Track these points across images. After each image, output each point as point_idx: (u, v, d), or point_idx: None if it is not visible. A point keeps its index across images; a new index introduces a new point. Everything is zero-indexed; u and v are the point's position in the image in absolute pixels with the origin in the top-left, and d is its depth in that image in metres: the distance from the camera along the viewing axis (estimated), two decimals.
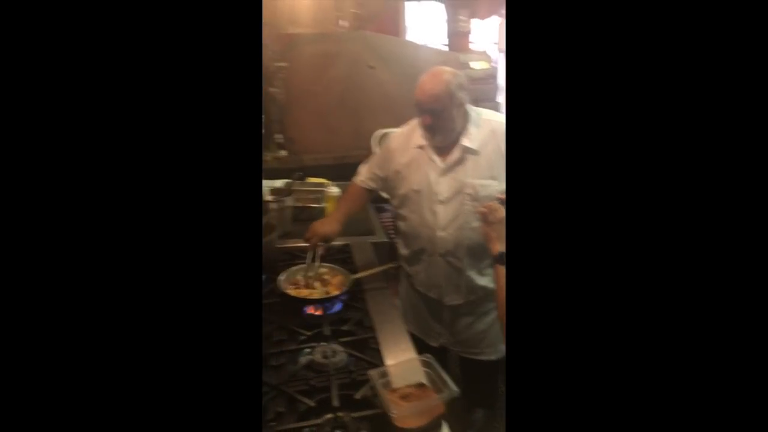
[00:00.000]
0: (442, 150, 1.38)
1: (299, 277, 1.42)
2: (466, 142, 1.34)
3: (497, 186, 1.31)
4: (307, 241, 1.47)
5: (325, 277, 1.42)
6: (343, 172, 2.54)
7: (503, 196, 1.05)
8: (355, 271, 1.48)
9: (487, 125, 1.36)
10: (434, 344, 1.53)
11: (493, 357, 1.52)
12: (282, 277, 1.38)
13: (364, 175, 1.62)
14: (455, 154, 1.36)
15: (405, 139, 1.47)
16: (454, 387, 0.89)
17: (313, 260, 1.43)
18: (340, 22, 1.99)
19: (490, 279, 1.41)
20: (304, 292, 1.35)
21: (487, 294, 1.43)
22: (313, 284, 1.38)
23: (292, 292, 1.34)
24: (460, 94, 1.32)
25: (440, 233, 1.37)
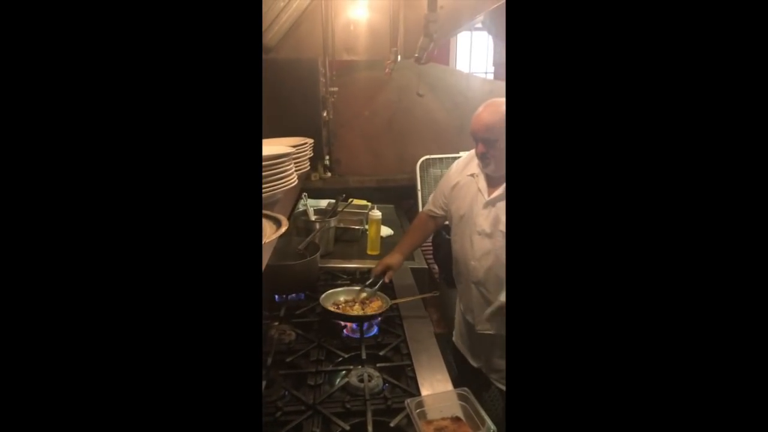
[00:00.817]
0: (492, 182, 1.43)
1: (341, 299, 1.46)
2: None
3: None
4: (377, 273, 1.54)
5: (365, 300, 1.45)
6: (385, 194, 2.59)
7: None
8: (393, 297, 1.49)
9: None
10: (474, 364, 1.56)
11: None
12: (323, 296, 1.42)
13: (429, 203, 1.66)
14: (500, 189, 1.39)
15: (463, 166, 1.53)
16: (491, 425, 0.87)
17: (373, 285, 1.51)
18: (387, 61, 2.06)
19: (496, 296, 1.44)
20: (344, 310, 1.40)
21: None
22: (352, 307, 1.42)
23: (332, 308, 1.39)
24: None
25: (473, 263, 1.42)
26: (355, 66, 2.56)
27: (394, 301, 1.44)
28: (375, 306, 1.42)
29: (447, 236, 1.61)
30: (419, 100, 2.60)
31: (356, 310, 1.40)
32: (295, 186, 1.11)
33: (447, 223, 1.65)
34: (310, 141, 1.36)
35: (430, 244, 2.39)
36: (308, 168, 1.39)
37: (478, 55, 3.71)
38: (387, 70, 2.12)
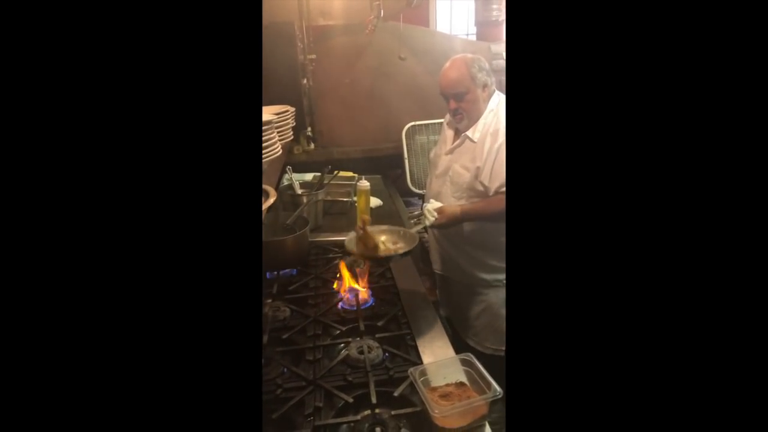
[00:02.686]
0: (458, 132, 1.53)
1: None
2: (469, 132, 1.47)
3: (467, 177, 1.46)
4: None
5: (383, 238, 1.35)
6: (372, 165, 2.53)
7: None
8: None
9: (494, 122, 1.45)
10: (443, 313, 1.70)
11: (487, 351, 1.62)
12: (347, 241, 1.33)
13: None
14: (459, 140, 1.51)
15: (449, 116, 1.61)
16: (497, 388, 0.86)
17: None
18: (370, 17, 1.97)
19: (469, 262, 1.57)
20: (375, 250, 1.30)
21: (467, 277, 1.59)
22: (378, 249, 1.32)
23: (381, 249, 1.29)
24: (481, 75, 1.43)
25: (426, 204, 1.50)
26: (331, 31, 2.44)
27: (415, 230, 1.37)
28: (405, 242, 1.33)
29: None
30: (401, 65, 2.51)
31: (383, 249, 1.30)
32: (279, 157, 1.05)
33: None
34: (292, 109, 1.29)
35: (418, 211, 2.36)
36: (291, 137, 1.32)
37: (458, 17, 3.59)
38: (369, 27, 2.02)
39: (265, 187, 0.73)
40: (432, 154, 1.72)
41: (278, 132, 1.06)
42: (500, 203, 1.40)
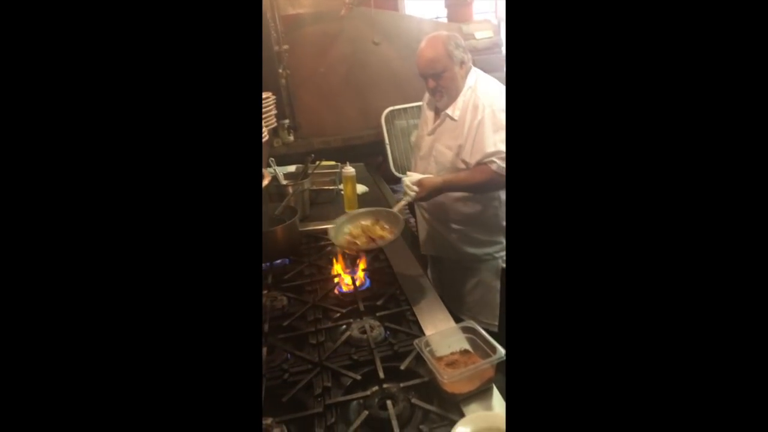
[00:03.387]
0: (438, 111, 1.52)
1: (349, 228, 1.35)
2: (449, 110, 1.47)
3: (450, 156, 1.47)
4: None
5: (377, 230, 1.33)
6: (353, 153, 2.52)
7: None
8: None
9: (473, 99, 1.44)
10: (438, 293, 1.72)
11: (480, 326, 1.64)
12: (331, 232, 1.31)
13: None
14: (441, 119, 1.51)
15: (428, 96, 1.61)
16: (501, 350, 0.88)
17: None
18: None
19: (460, 239, 1.58)
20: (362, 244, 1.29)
21: (458, 254, 1.60)
22: (365, 240, 1.31)
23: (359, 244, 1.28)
24: (457, 53, 1.42)
25: (405, 179, 1.49)
26: (301, 20, 2.41)
27: (395, 208, 1.37)
28: (391, 227, 1.32)
29: None
30: (375, 51, 2.50)
31: (371, 240, 1.28)
32: (264, 143, 1.04)
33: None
34: (272, 96, 1.28)
35: None
36: (275, 124, 1.31)
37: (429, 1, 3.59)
38: (344, 10, 2.00)
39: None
40: (414, 137, 1.73)
41: (263, 118, 1.04)
42: (482, 173, 1.40)
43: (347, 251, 1.32)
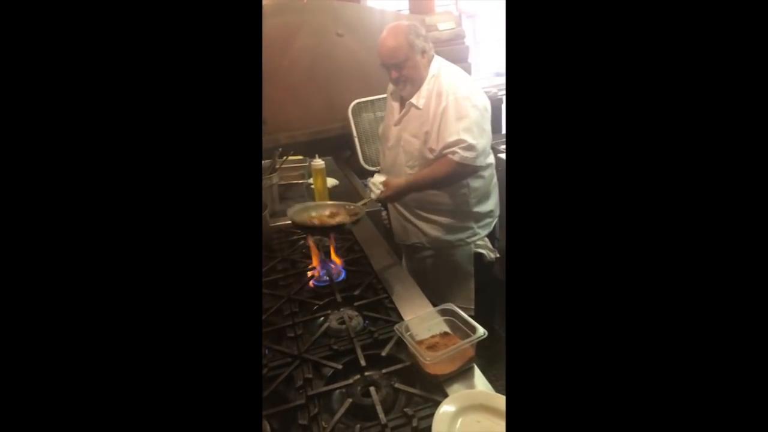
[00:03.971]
0: (403, 101, 1.53)
1: (312, 214, 1.34)
2: (414, 99, 1.48)
3: (417, 144, 1.48)
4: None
5: (338, 216, 1.33)
6: (321, 147, 2.48)
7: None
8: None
9: (436, 87, 1.45)
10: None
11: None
12: (292, 214, 1.30)
13: None
14: (406, 108, 1.51)
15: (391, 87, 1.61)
16: (480, 329, 0.89)
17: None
18: None
19: (430, 226, 1.59)
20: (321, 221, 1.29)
21: (429, 240, 1.61)
22: (324, 220, 1.31)
23: (315, 221, 1.28)
24: (418, 42, 1.43)
25: (371, 179, 1.53)
26: (262, 12, 2.35)
27: (361, 203, 1.38)
28: (351, 213, 1.32)
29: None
30: (339, 42, 2.47)
31: (336, 220, 1.28)
32: None
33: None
34: None
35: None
36: None
37: None
38: None
39: None
40: (381, 128, 1.72)
41: None
42: (445, 166, 1.41)
43: (304, 227, 1.29)
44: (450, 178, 1.44)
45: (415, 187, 1.46)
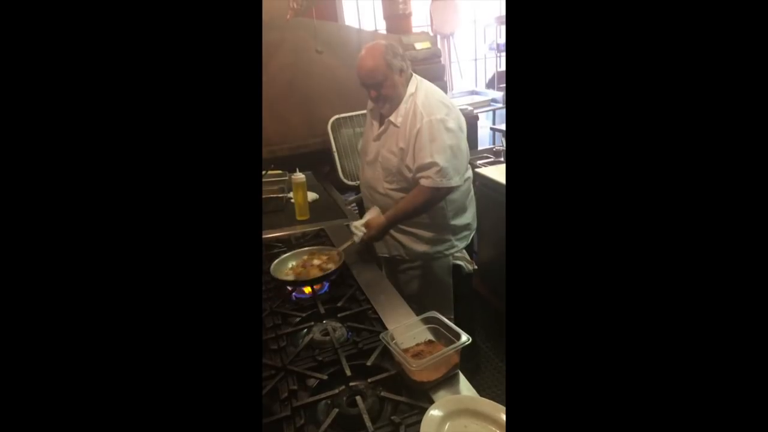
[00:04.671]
0: (382, 118, 1.55)
1: (290, 264, 1.40)
2: (392, 117, 1.51)
3: (395, 161, 1.51)
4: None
5: (315, 261, 1.38)
6: (300, 162, 2.49)
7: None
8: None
9: (413, 105, 1.49)
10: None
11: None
12: (273, 269, 1.34)
13: None
14: (384, 125, 1.53)
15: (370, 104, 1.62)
16: (464, 336, 0.91)
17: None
18: (292, 5, 1.96)
19: (409, 239, 1.61)
20: (303, 275, 1.32)
21: (408, 253, 1.63)
22: (306, 270, 1.34)
23: (291, 278, 1.32)
24: (396, 61, 1.46)
25: (364, 190, 1.62)
26: None
27: (341, 248, 1.42)
28: (329, 258, 1.39)
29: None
30: (318, 60, 2.50)
31: (315, 272, 1.32)
32: None
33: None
34: None
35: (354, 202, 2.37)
36: None
37: (365, 12, 3.67)
38: (293, 6, 2.00)
39: None
40: (360, 143, 1.74)
41: None
42: (420, 195, 1.44)
43: (295, 282, 1.32)
44: (426, 204, 1.48)
45: (395, 221, 1.49)
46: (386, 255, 1.73)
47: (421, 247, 1.62)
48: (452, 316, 1.69)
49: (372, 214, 1.50)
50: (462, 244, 1.67)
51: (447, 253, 1.64)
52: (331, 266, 1.32)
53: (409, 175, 1.48)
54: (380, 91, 1.45)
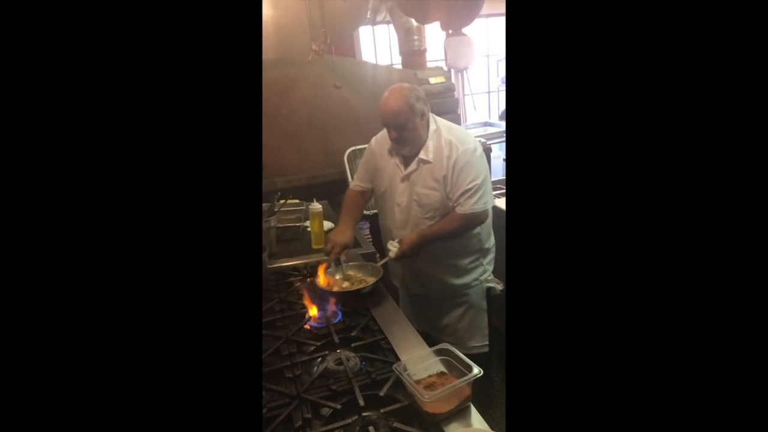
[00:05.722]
0: (407, 159, 1.56)
1: (336, 278, 1.50)
2: (422, 155, 1.53)
3: (437, 195, 1.51)
4: (329, 251, 1.53)
5: (351, 273, 1.50)
6: (316, 191, 2.56)
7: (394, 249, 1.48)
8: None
9: (440, 139, 1.52)
10: (418, 328, 1.62)
11: (472, 351, 1.67)
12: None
13: (356, 179, 1.74)
14: (413, 165, 1.54)
15: (382, 141, 1.62)
16: (476, 368, 0.92)
17: (338, 265, 1.53)
18: (313, 47, 2.08)
19: (448, 273, 1.61)
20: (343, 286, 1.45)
21: (447, 287, 1.63)
22: (343, 282, 1.46)
23: (335, 288, 1.43)
24: (419, 105, 1.49)
25: (396, 232, 1.58)
26: (265, 65, 2.50)
27: (379, 263, 1.51)
28: (361, 276, 1.50)
29: None
30: (336, 94, 2.61)
31: (352, 283, 1.43)
32: None
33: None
34: None
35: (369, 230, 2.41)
36: None
37: (382, 47, 3.82)
38: (312, 54, 2.11)
39: None
40: (381, 186, 1.62)
41: None
42: (452, 222, 1.48)
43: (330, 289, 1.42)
44: (459, 230, 1.50)
45: (429, 240, 1.49)
46: (421, 292, 1.70)
47: (458, 279, 1.61)
48: (487, 342, 1.68)
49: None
50: (491, 268, 1.68)
51: (482, 279, 1.65)
52: (372, 279, 1.43)
53: (450, 204, 1.49)
54: (401, 133, 1.47)
